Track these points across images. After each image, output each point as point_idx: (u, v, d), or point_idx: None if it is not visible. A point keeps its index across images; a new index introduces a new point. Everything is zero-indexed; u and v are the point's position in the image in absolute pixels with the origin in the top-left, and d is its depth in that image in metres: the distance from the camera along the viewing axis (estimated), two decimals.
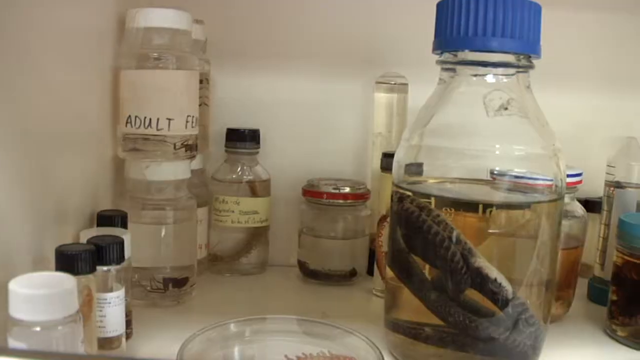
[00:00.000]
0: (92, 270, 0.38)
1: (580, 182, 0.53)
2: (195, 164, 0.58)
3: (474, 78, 0.42)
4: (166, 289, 0.52)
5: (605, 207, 0.57)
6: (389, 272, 0.45)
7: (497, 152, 0.41)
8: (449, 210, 0.40)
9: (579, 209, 0.54)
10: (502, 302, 0.40)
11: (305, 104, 0.64)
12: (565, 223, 0.52)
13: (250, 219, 0.60)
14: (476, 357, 0.41)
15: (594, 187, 0.60)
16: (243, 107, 0.63)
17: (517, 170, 0.42)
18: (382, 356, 0.41)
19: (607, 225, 0.57)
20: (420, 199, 0.42)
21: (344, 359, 0.41)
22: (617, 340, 0.50)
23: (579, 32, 0.64)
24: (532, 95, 0.43)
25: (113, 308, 0.40)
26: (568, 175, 0.51)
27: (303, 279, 0.61)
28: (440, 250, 0.40)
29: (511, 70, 0.42)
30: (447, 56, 0.42)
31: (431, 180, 0.44)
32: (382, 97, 0.61)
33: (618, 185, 0.56)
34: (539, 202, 0.43)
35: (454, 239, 0.40)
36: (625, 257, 0.49)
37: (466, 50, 0.41)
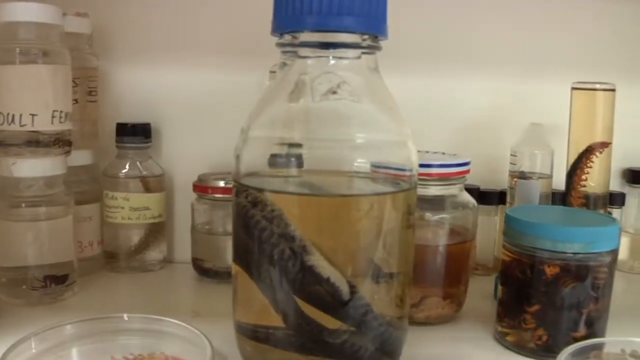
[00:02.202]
0: None
1: (467, 171, 0.49)
2: (84, 159, 0.57)
3: (313, 61, 0.39)
4: (46, 287, 0.51)
5: (508, 199, 0.54)
6: (234, 269, 0.42)
7: (343, 140, 0.38)
8: (289, 204, 0.38)
9: (469, 200, 0.50)
10: (338, 303, 0.37)
11: (202, 97, 0.61)
12: (453, 215, 0.49)
13: (142, 215, 0.58)
14: None
15: None
16: (139, 101, 0.61)
17: (360, 160, 0.38)
18: (213, 356, 0.38)
19: None
20: (257, 193, 0.39)
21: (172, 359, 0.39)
22: (505, 347, 0.45)
23: (499, 16, 0.61)
24: (379, 78, 0.39)
25: None
26: (456, 165, 0.49)
27: (199, 277, 0.59)
28: (268, 247, 0.37)
29: (354, 52, 0.38)
30: (287, 38, 0.39)
31: (273, 173, 0.41)
32: None
33: (522, 175, 0.53)
34: (388, 193, 0.39)
35: (287, 236, 0.37)
36: (510, 255, 0.45)
37: (306, 31, 0.38)
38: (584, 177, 0.53)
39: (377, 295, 0.39)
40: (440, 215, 0.49)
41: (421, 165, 0.48)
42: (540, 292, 0.43)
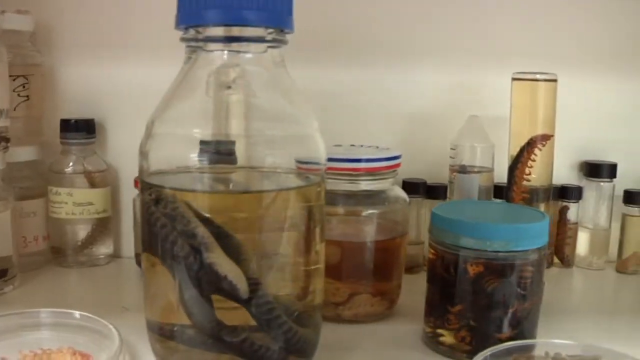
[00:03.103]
0: None
1: (398, 165, 0.48)
2: (28, 155, 0.57)
3: (216, 55, 0.38)
4: None
5: (449, 193, 0.52)
6: (142, 267, 0.41)
7: (248, 135, 0.37)
8: (191, 201, 0.36)
9: (400, 195, 0.48)
10: (238, 301, 0.36)
11: (147, 92, 0.60)
12: (383, 210, 0.48)
13: (86, 211, 0.58)
14: None
15: None
16: (85, 97, 0.61)
17: (266, 154, 0.37)
18: (121, 348, 0.38)
19: None
20: (159, 190, 0.38)
21: (80, 355, 0.39)
22: (430, 347, 0.44)
23: (439, 8, 0.60)
24: (286, 72, 0.38)
25: None
26: (387, 158, 0.47)
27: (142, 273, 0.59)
28: (168, 244, 0.36)
29: (259, 46, 0.37)
30: (191, 32, 0.38)
31: (178, 169, 0.40)
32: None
33: (462, 169, 0.51)
34: (293, 188, 0.38)
35: (187, 233, 0.36)
36: (434, 252, 0.43)
37: (210, 25, 0.37)
38: (527, 170, 0.51)
39: (282, 292, 0.38)
40: (370, 211, 0.47)
41: (350, 160, 0.48)
42: (464, 291, 0.42)
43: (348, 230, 0.47)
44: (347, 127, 0.59)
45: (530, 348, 0.41)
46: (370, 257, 0.47)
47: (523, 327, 0.43)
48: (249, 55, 0.37)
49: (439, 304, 0.44)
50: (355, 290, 0.47)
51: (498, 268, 0.41)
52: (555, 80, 0.49)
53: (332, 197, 0.47)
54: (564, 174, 0.63)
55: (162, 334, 0.40)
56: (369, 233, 0.47)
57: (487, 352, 0.39)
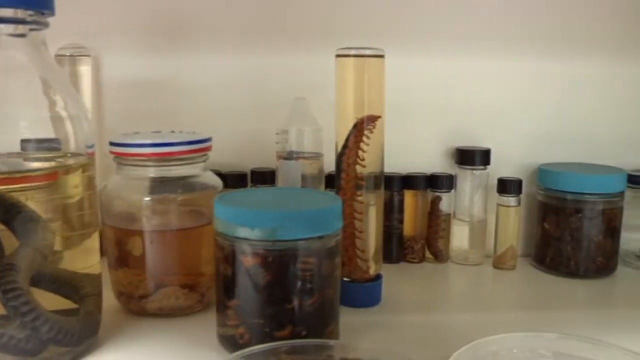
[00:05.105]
0: None
1: (209, 148, 0.45)
2: None
3: None
4: None
5: (276, 182, 0.48)
6: None
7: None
8: None
9: (211, 182, 0.46)
10: None
11: None
12: (192, 197, 0.45)
13: None
14: None
15: None
16: None
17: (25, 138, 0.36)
18: None
19: None
20: None
21: None
22: (220, 343, 0.41)
23: None
24: (48, 55, 0.37)
25: None
26: (195, 142, 0.44)
27: None
28: None
29: (19, 29, 0.35)
30: None
31: None
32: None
33: (290, 155, 0.47)
34: (35, 171, 0.36)
35: None
36: (215, 243, 0.40)
37: None
38: (360, 155, 0.46)
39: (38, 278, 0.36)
40: (174, 197, 0.44)
41: (141, 145, 0.44)
42: (241, 285, 0.39)
43: (153, 218, 0.45)
44: (174, 114, 0.56)
45: (299, 349, 0.36)
46: (175, 247, 0.45)
47: (309, 325, 0.39)
48: (9, 38, 0.36)
49: (221, 299, 0.40)
50: (160, 283, 0.45)
51: (275, 260, 0.38)
52: (382, 56, 0.45)
53: (135, 184, 0.45)
54: (438, 161, 0.58)
55: None
56: (173, 221, 0.44)
57: (243, 352, 0.35)
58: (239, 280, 0.39)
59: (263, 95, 0.56)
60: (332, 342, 0.38)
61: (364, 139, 0.47)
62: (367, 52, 0.46)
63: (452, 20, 0.58)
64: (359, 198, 0.47)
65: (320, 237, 0.38)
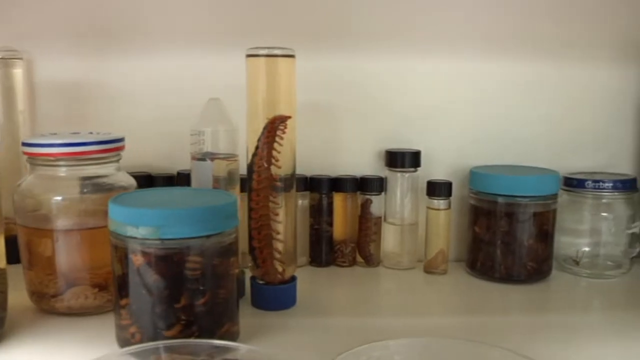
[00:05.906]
0: None
1: (120, 148, 0.45)
2: None
3: None
4: None
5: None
6: None
7: None
8: None
9: (122, 182, 0.46)
10: None
11: None
12: (101, 196, 0.45)
13: None
14: None
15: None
16: None
17: None
18: None
19: None
20: None
21: None
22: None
23: None
24: None
25: None
26: (104, 142, 0.45)
27: None
28: None
29: None
30: None
31: None
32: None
33: (204, 156, 0.47)
34: None
35: None
36: (111, 242, 0.39)
37: None
38: (274, 155, 0.46)
39: None
40: (85, 196, 0.45)
41: (54, 145, 0.45)
42: (132, 284, 0.39)
43: (63, 219, 0.45)
44: (106, 116, 0.57)
45: (178, 348, 0.36)
46: (85, 247, 0.45)
47: (201, 325, 0.38)
48: None
49: (116, 299, 0.40)
50: (70, 282, 0.45)
51: (162, 258, 0.38)
52: (293, 56, 0.45)
53: (46, 184, 0.45)
54: (368, 164, 0.58)
55: None
56: (83, 220, 0.44)
57: (130, 349, 0.35)
58: (131, 279, 0.39)
59: (193, 97, 0.54)
60: (216, 342, 0.37)
61: (277, 139, 0.47)
62: (277, 52, 0.46)
63: (383, 21, 0.58)
64: (276, 199, 0.47)
65: (208, 236, 0.38)
